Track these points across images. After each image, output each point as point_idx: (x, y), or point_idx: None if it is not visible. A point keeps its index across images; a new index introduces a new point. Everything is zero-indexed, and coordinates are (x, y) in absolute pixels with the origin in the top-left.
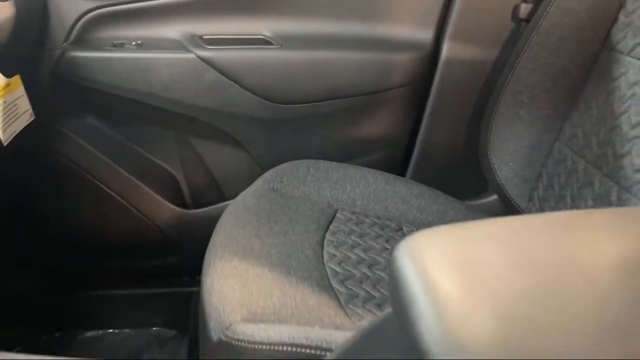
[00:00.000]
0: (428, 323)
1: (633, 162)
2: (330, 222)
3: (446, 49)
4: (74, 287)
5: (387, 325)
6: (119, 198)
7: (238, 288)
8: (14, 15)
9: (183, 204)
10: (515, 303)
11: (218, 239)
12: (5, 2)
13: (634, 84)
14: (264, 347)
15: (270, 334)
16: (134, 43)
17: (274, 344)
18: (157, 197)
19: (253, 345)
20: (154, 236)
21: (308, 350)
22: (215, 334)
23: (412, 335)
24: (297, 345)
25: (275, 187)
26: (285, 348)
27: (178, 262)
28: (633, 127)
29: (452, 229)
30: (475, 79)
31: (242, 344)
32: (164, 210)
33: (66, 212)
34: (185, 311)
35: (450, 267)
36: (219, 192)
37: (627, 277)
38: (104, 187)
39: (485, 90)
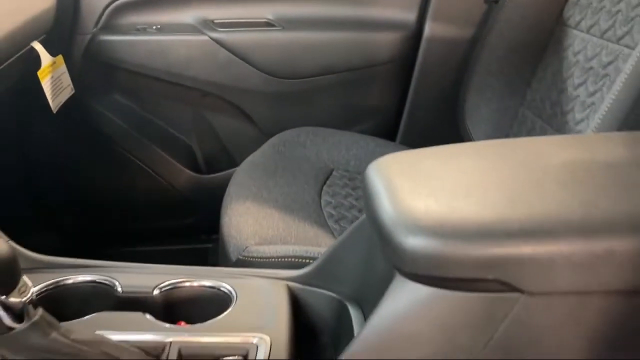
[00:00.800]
0: (387, 209)
1: (575, 117)
2: (327, 178)
3: (428, 29)
4: (103, 245)
5: (361, 226)
6: (143, 165)
7: (251, 222)
8: (54, 5)
9: (198, 170)
10: (452, 194)
11: (233, 189)
12: None
13: (578, 52)
14: (273, 260)
15: (278, 250)
16: (154, 27)
17: (281, 257)
18: (176, 163)
19: (264, 260)
20: (174, 199)
21: (307, 261)
22: (234, 255)
23: (375, 222)
24: (298, 257)
25: (279, 150)
26: (289, 260)
27: (195, 222)
28: (575, 88)
29: (410, 153)
30: (454, 54)
31: (256, 260)
32: (182, 175)
33: (97, 178)
34: (203, 265)
35: (405, 174)
36: (229, 159)
37: (562, 166)
38: (128, 155)
39: (462, 64)
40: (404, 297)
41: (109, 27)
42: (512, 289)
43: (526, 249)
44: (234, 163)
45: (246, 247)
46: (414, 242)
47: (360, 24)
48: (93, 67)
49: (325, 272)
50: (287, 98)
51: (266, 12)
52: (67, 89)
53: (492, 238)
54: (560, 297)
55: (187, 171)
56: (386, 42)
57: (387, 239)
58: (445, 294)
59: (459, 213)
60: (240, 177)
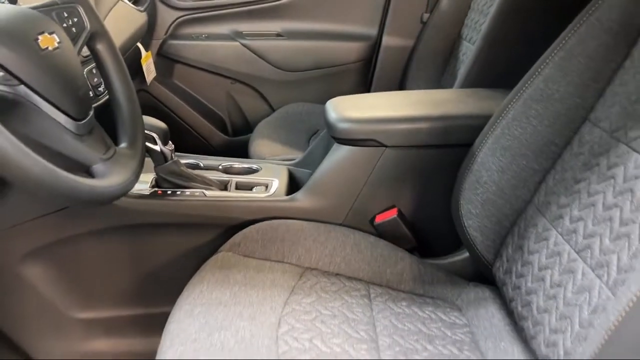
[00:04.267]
0: (332, 114)
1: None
2: (315, 133)
3: (384, 40)
4: None
5: (321, 138)
6: (190, 128)
7: (272, 146)
8: (147, 21)
9: (226, 133)
10: (364, 109)
11: (255, 139)
12: (144, 12)
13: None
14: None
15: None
16: (203, 36)
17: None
18: (212, 128)
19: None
20: (209, 152)
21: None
22: None
23: (326, 121)
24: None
25: (282, 117)
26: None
27: None
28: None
29: (351, 95)
30: (401, 56)
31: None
32: (215, 136)
33: None
34: None
35: (346, 102)
36: (248, 126)
37: (424, 97)
38: (181, 120)
39: (406, 63)
40: (334, 153)
41: (174, 35)
42: (381, 144)
43: (387, 126)
44: (251, 130)
45: (266, 158)
46: (342, 125)
47: (339, 35)
48: (163, 61)
49: (305, 161)
50: (289, 84)
51: (277, 27)
52: (153, 72)
53: (374, 122)
54: (412, 149)
55: (219, 133)
56: (356, 48)
57: (331, 126)
58: (352, 149)
59: (365, 114)
60: (258, 132)
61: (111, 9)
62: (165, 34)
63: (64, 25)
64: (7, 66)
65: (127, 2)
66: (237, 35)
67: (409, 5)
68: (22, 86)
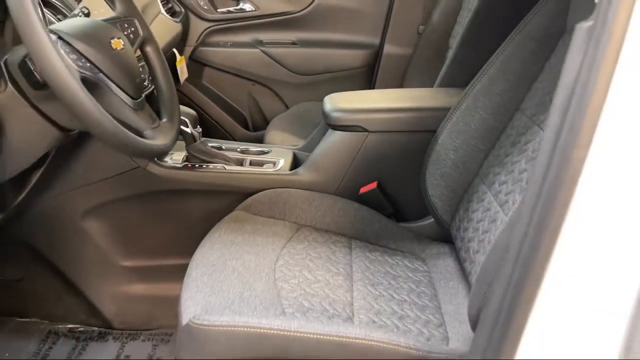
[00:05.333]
0: (328, 105)
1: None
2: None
3: (385, 48)
4: None
5: (320, 128)
6: (216, 123)
7: (282, 134)
8: (181, 30)
9: (247, 128)
10: (355, 102)
11: (270, 131)
12: (179, 23)
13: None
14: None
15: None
16: (229, 43)
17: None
18: (235, 123)
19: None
20: None
21: None
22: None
23: (323, 111)
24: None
25: (295, 113)
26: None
27: None
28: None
29: (348, 92)
30: (400, 63)
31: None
32: (237, 130)
33: None
34: None
35: (341, 97)
36: (265, 122)
37: (407, 93)
38: (207, 116)
39: (404, 68)
40: (327, 138)
41: (204, 42)
42: (365, 130)
43: (370, 115)
44: (267, 125)
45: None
46: (334, 114)
47: (345, 44)
48: (194, 65)
49: (307, 146)
50: (301, 86)
51: (292, 37)
52: (185, 74)
53: (360, 112)
54: (390, 134)
55: (241, 128)
56: (361, 55)
57: (326, 115)
58: (342, 133)
59: (352, 105)
60: (273, 125)
61: (153, 20)
62: (197, 41)
63: (125, 33)
64: (92, 59)
65: (166, 14)
66: (258, 43)
67: (406, 18)
68: (101, 74)
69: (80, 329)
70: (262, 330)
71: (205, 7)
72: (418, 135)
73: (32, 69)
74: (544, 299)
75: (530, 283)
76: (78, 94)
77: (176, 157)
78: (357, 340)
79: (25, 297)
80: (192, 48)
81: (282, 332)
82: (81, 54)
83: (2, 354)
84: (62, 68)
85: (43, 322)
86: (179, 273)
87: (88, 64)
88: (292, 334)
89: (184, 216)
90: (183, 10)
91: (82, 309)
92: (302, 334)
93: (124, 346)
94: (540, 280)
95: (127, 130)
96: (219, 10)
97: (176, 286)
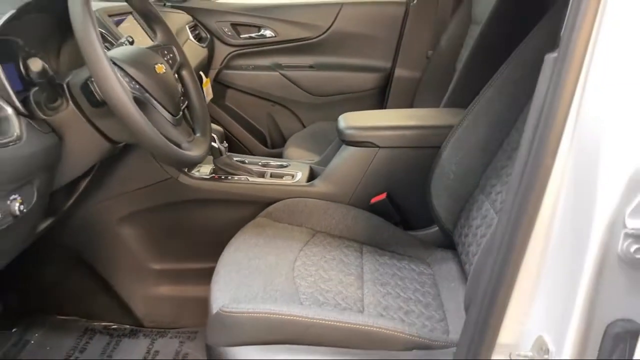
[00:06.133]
0: (342, 123)
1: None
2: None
3: (396, 71)
4: None
5: (334, 145)
6: (237, 140)
7: (298, 150)
8: (207, 54)
9: (266, 145)
10: (368, 120)
11: (289, 148)
12: (205, 48)
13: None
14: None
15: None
16: (250, 67)
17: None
18: (255, 141)
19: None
20: None
21: None
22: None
23: (337, 128)
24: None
25: (310, 133)
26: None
27: None
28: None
29: (360, 112)
30: (410, 86)
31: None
32: (257, 148)
33: None
34: None
35: (355, 116)
36: (283, 140)
37: (414, 113)
38: (229, 133)
39: (414, 91)
40: (341, 153)
41: (228, 65)
42: (375, 145)
43: (381, 133)
44: (285, 143)
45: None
46: (348, 131)
47: (359, 67)
48: (218, 86)
49: (322, 161)
50: (318, 106)
51: (309, 61)
52: (210, 95)
53: (371, 129)
54: (398, 149)
55: (260, 145)
56: (373, 78)
57: (340, 132)
58: (355, 149)
59: (364, 123)
60: (291, 142)
61: (182, 45)
62: (221, 64)
63: (165, 58)
64: (140, 82)
65: (194, 40)
66: (277, 67)
67: (416, 44)
68: (147, 94)
69: (114, 327)
70: (282, 317)
71: (229, 33)
72: (424, 151)
73: (93, 90)
74: (521, 285)
75: (509, 272)
76: (132, 112)
77: (204, 170)
78: (367, 327)
79: (65, 296)
80: (216, 71)
81: (300, 319)
82: (132, 77)
83: (43, 347)
84: (120, 89)
85: (81, 320)
86: (204, 276)
87: (137, 86)
88: (309, 320)
89: (210, 223)
90: (209, 36)
91: (116, 308)
92: (318, 321)
93: (153, 342)
94: (518, 269)
95: (169, 142)
96: (241, 36)
97: (202, 288)
